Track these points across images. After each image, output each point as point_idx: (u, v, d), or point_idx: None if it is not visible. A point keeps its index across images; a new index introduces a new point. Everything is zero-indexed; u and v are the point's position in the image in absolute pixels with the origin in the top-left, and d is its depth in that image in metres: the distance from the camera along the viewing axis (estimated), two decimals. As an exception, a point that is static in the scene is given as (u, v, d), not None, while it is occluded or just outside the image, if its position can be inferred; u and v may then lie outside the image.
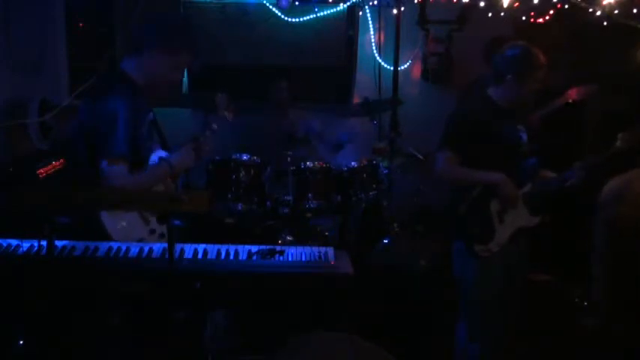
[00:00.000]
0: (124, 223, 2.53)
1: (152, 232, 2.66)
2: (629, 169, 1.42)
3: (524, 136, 3.04)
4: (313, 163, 4.11)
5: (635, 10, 4.21)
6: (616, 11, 4.14)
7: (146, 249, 2.40)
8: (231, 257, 2.39)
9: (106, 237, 2.46)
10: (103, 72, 2.73)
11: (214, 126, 2.93)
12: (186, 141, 2.86)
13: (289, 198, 4.04)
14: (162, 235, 2.69)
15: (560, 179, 3.00)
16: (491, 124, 2.93)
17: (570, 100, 3.59)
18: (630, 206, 1.32)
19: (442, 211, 3.30)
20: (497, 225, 2.94)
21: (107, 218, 2.49)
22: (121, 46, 4.11)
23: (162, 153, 2.80)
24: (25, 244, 2.34)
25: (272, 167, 4.13)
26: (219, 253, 2.40)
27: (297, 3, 4.86)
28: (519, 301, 3.11)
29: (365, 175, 4.18)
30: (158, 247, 2.42)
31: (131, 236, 2.51)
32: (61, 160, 3.34)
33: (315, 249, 2.46)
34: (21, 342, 2.30)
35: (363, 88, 5.13)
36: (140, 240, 2.54)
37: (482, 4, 4.39)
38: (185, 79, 5.29)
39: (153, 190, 2.68)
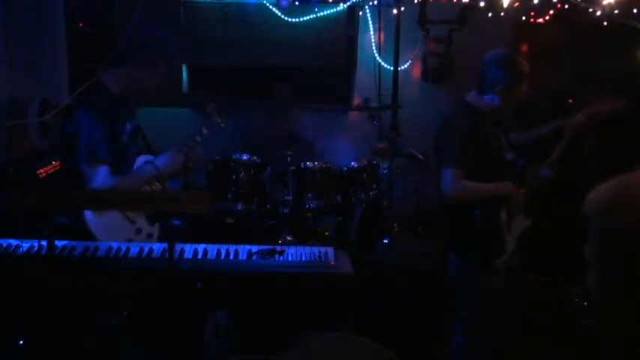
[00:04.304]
0: (107, 224, 2.55)
1: (138, 231, 2.68)
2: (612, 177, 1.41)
3: (504, 139, 3.06)
4: (313, 163, 4.11)
5: (635, 10, 4.21)
6: (616, 11, 4.14)
7: (146, 249, 2.40)
8: (231, 257, 2.39)
9: (90, 237, 2.48)
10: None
11: (204, 130, 2.96)
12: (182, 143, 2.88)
13: (289, 198, 4.04)
14: (149, 235, 2.71)
15: (548, 166, 3.00)
16: (488, 135, 2.93)
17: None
18: (630, 213, 1.31)
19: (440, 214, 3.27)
20: (507, 235, 2.94)
21: (91, 219, 2.51)
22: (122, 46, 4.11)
23: (148, 157, 2.82)
24: (25, 244, 2.34)
25: (272, 167, 4.13)
26: (219, 253, 2.40)
27: (297, 3, 4.85)
28: (519, 302, 3.11)
29: (365, 175, 4.18)
30: (158, 247, 2.42)
31: (117, 236, 2.53)
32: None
33: (315, 249, 2.47)
34: (21, 342, 2.30)
35: (363, 88, 5.12)
36: (128, 240, 2.56)
37: (482, 4, 4.38)
38: (185, 79, 5.29)
39: (152, 190, 2.69)
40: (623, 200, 1.33)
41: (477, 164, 2.85)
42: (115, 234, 2.54)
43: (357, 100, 5.23)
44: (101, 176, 2.54)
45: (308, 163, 4.11)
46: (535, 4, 4.28)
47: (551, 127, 3.24)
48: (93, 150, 2.56)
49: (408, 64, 5.14)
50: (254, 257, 2.39)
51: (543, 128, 3.29)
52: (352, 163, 4.21)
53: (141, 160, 2.81)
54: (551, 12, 4.76)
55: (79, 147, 2.57)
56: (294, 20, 4.96)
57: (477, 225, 2.89)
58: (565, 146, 3.06)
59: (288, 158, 4.11)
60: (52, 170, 3.23)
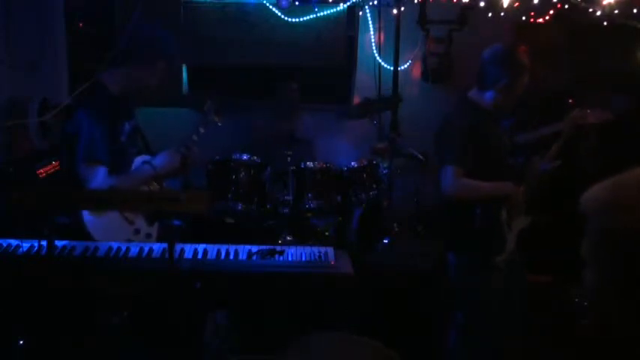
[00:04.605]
0: (105, 224, 2.56)
1: (137, 232, 2.68)
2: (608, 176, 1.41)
3: (505, 138, 3.06)
4: (313, 163, 4.11)
5: (635, 10, 4.21)
6: (616, 11, 4.14)
7: (146, 249, 2.40)
8: (231, 257, 2.39)
9: (88, 238, 2.48)
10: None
11: (201, 129, 2.96)
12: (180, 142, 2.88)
13: (289, 198, 4.04)
14: (148, 235, 2.72)
15: (547, 160, 3.01)
16: (489, 135, 2.93)
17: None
18: (629, 213, 1.31)
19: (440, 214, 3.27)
20: (507, 233, 2.94)
21: (89, 219, 2.51)
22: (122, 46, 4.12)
23: (146, 157, 2.83)
24: (25, 244, 2.34)
25: (272, 167, 4.13)
26: (219, 253, 2.40)
27: (297, 3, 4.85)
28: (519, 301, 3.11)
29: (365, 175, 4.18)
30: (158, 247, 2.42)
31: (115, 237, 2.53)
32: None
33: (315, 249, 2.47)
34: (21, 342, 2.30)
35: (363, 88, 5.12)
36: (127, 241, 2.56)
37: (482, 4, 4.38)
38: (185, 79, 5.29)
39: (151, 190, 2.69)
40: (622, 200, 1.33)
41: (477, 163, 2.85)
42: (113, 235, 2.55)
43: (357, 100, 5.23)
44: (99, 177, 2.55)
45: (308, 163, 4.11)
46: (535, 4, 4.28)
47: (551, 129, 3.24)
48: (92, 150, 2.57)
49: (408, 64, 5.13)
50: (254, 257, 2.39)
51: (544, 130, 3.30)
52: (352, 163, 4.20)
53: (139, 160, 2.82)
54: (551, 12, 4.76)
55: (79, 147, 2.58)
56: (294, 20, 4.96)
57: (477, 224, 2.89)
58: (563, 142, 3.07)
59: (288, 158, 4.11)
60: (52, 170, 3.23)
